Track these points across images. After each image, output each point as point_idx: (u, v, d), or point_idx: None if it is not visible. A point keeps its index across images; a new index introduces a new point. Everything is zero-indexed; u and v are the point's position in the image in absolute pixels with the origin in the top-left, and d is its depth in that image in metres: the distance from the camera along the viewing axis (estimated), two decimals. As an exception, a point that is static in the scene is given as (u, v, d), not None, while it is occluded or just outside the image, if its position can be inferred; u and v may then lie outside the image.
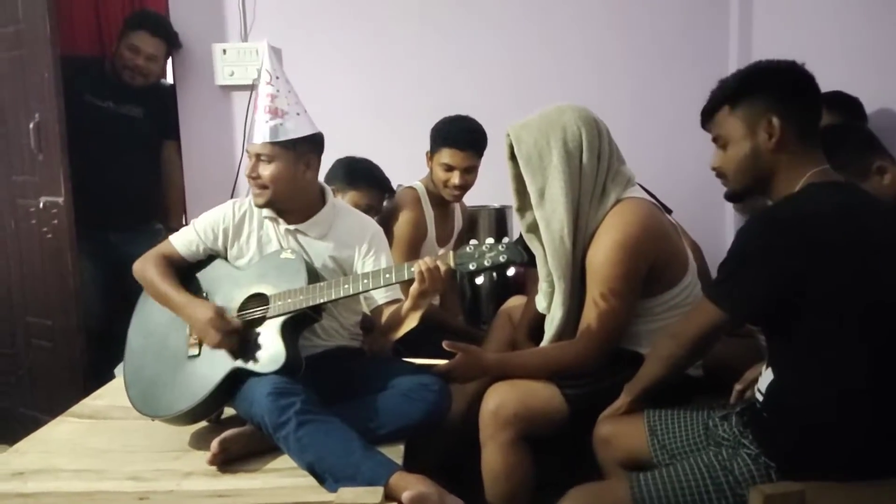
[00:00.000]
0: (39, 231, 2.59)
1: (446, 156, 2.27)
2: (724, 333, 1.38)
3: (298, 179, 1.79)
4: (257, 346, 1.65)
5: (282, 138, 1.74)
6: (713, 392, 1.65)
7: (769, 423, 1.31)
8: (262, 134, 1.74)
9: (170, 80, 3.04)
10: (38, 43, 2.47)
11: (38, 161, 2.54)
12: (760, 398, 1.36)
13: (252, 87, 2.88)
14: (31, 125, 2.51)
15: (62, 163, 2.48)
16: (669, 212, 2.23)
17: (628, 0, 2.90)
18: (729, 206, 2.92)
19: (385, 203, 2.41)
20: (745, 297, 1.28)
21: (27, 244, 2.67)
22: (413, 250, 2.28)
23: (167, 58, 2.90)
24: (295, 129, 1.75)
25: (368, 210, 2.28)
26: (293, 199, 1.80)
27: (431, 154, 2.34)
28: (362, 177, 2.32)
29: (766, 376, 1.36)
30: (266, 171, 1.75)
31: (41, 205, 2.55)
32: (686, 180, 2.67)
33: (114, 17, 3.07)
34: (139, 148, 2.90)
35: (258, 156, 1.75)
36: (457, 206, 2.53)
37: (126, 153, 2.83)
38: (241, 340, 1.67)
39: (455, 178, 2.28)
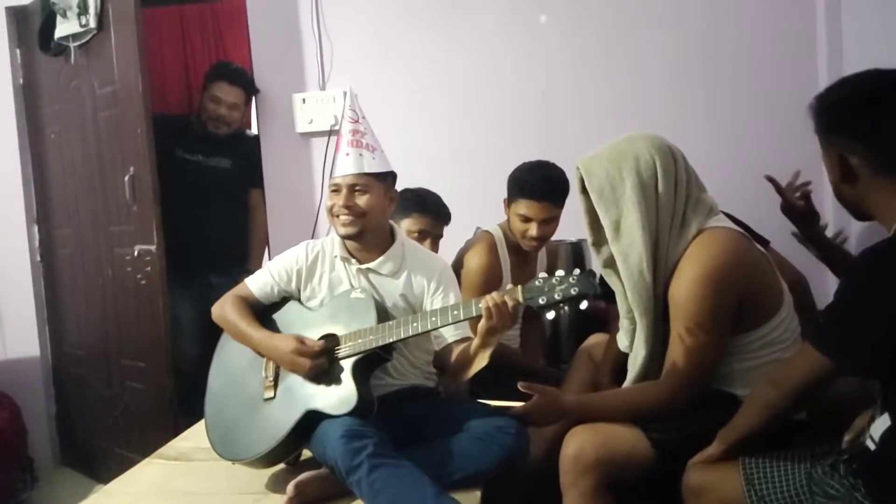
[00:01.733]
0: (134, 277, 2.72)
1: (523, 207, 2.17)
2: (829, 382, 1.25)
3: (385, 212, 1.84)
4: (330, 388, 1.65)
5: (375, 170, 1.79)
6: (817, 435, 1.51)
7: (884, 476, 1.17)
8: (356, 165, 1.78)
9: (254, 130, 3.17)
10: (132, 101, 2.63)
11: (133, 212, 2.69)
12: (872, 446, 1.22)
13: (330, 133, 2.97)
14: (127, 178, 2.67)
15: (154, 212, 2.61)
16: (767, 243, 2.11)
17: (707, 25, 2.79)
18: (829, 229, 2.73)
19: (441, 233, 2.38)
20: (855, 346, 1.16)
21: (122, 290, 2.82)
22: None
23: (247, 104, 3.04)
24: (383, 164, 1.83)
25: (423, 235, 2.28)
26: (376, 233, 1.83)
27: (509, 203, 2.25)
28: (414, 204, 2.31)
29: (879, 422, 1.22)
30: (361, 200, 1.78)
31: (136, 253, 2.68)
32: (774, 200, 2.52)
33: (202, 75, 3.25)
34: (229, 196, 3.06)
35: (352, 186, 1.78)
36: (542, 249, 2.42)
37: (216, 202, 3.00)
38: (315, 382, 1.67)
39: (533, 230, 2.18)
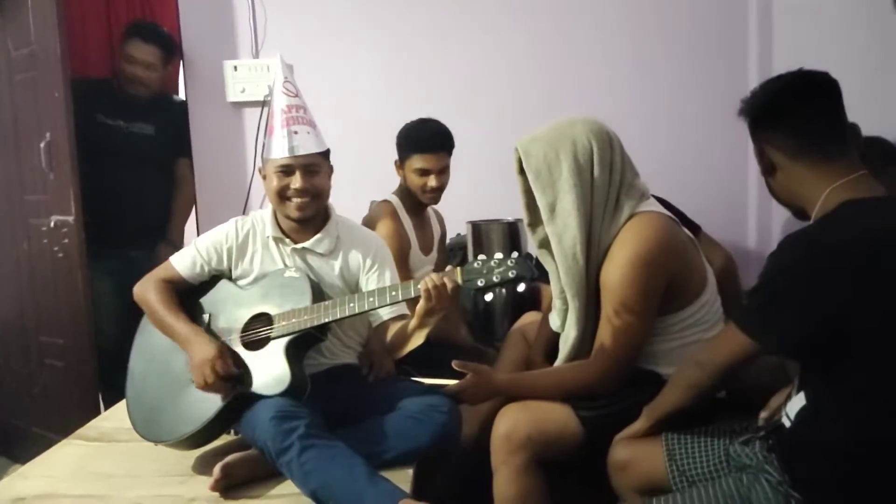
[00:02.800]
0: (51, 250, 2.58)
1: (418, 161, 2.29)
2: (752, 362, 1.30)
3: (329, 191, 1.81)
4: (262, 368, 1.61)
5: (323, 148, 1.77)
6: (735, 413, 1.58)
7: (796, 452, 1.24)
8: (310, 143, 1.73)
9: (182, 96, 3.04)
10: (49, 64, 2.47)
11: (50, 180, 2.55)
12: (788, 423, 1.29)
13: (264, 103, 2.88)
14: (42, 144, 2.52)
15: (73, 182, 2.48)
16: (698, 228, 2.18)
17: (643, 4, 2.84)
18: (752, 213, 2.86)
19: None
20: (779, 328, 1.20)
21: (39, 263, 2.67)
22: (402, 262, 2.24)
23: (167, 64, 2.88)
24: (323, 140, 1.79)
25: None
26: (320, 212, 1.80)
27: (402, 162, 2.35)
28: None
29: (795, 400, 1.28)
30: (318, 181, 1.75)
31: (52, 224, 2.55)
32: (706, 186, 2.60)
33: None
34: (152, 165, 2.90)
35: (307, 167, 1.73)
36: (432, 213, 2.54)
37: (140, 171, 2.84)
38: (244, 364, 1.63)
39: (432, 181, 2.29)
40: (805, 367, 1.27)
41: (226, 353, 1.62)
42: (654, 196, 1.68)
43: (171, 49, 2.86)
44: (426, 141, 2.30)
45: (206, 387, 1.59)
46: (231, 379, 1.60)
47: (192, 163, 2.97)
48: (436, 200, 2.40)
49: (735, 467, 1.35)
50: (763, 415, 1.49)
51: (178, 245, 2.94)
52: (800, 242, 1.20)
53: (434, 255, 2.50)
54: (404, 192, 2.39)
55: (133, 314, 2.71)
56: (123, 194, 2.77)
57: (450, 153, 2.35)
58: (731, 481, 1.27)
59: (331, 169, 1.81)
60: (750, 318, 1.25)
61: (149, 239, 2.86)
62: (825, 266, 1.14)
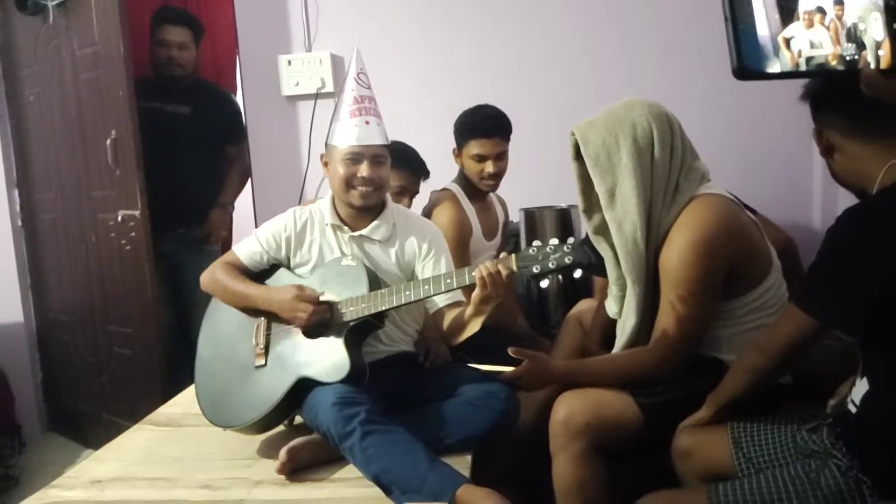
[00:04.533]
0: (118, 243, 2.69)
1: (476, 147, 2.27)
2: (816, 343, 1.27)
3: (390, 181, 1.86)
4: (322, 355, 1.64)
5: (389, 142, 1.81)
6: (802, 400, 1.54)
7: (864, 437, 1.20)
8: (379, 135, 1.78)
9: (239, 92, 3.10)
10: (112, 63, 2.57)
11: (116, 176, 2.64)
12: (853, 409, 1.25)
13: (317, 96, 2.92)
14: (108, 142, 2.61)
15: (138, 177, 2.57)
16: (753, 212, 2.12)
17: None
18: (817, 199, 2.77)
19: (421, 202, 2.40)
20: (838, 303, 1.17)
21: (107, 256, 2.78)
22: (462, 249, 2.24)
23: (197, 44, 2.99)
24: (387, 134, 1.82)
25: (401, 193, 2.30)
26: (380, 201, 1.83)
27: (459, 149, 2.34)
28: (393, 158, 2.27)
29: (860, 386, 1.24)
30: (383, 172, 1.79)
31: (119, 218, 2.64)
32: (770, 170, 2.53)
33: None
34: (191, 146, 2.93)
35: (375, 157, 1.77)
36: (494, 198, 2.52)
37: (179, 152, 2.88)
38: (306, 349, 1.66)
39: (489, 167, 2.28)
40: (866, 349, 1.24)
41: (303, 286, 1.69)
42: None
43: (198, 29, 2.98)
44: (482, 125, 2.28)
45: (308, 320, 1.65)
46: (321, 303, 1.66)
47: (242, 149, 3.03)
48: (494, 187, 2.38)
49: (802, 454, 1.32)
50: (832, 402, 1.45)
51: (227, 209, 3.06)
52: (858, 216, 1.18)
53: (498, 240, 2.49)
54: (464, 179, 2.38)
55: (180, 302, 2.85)
56: (164, 178, 2.76)
57: (507, 138, 2.33)
58: (798, 466, 1.25)
59: (424, 175, 1.85)
60: (808, 294, 1.23)
61: (187, 224, 2.94)
62: (884, 238, 1.12)
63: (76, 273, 2.96)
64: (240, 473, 1.61)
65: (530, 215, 2.52)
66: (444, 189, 2.39)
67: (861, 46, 0.59)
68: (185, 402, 2.10)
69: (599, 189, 1.59)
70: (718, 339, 1.58)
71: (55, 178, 2.98)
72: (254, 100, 3.00)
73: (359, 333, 1.68)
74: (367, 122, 1.76)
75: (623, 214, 1.56)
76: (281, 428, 1.78)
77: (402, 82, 2.88)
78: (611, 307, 1.77)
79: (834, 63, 0.59)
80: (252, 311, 1.79)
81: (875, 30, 0.58)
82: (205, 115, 3.00)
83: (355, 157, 1.75)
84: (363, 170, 1.75)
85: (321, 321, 1.66)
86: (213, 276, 1.83)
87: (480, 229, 2.37)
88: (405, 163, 2.32)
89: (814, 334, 1.23)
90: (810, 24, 0.58)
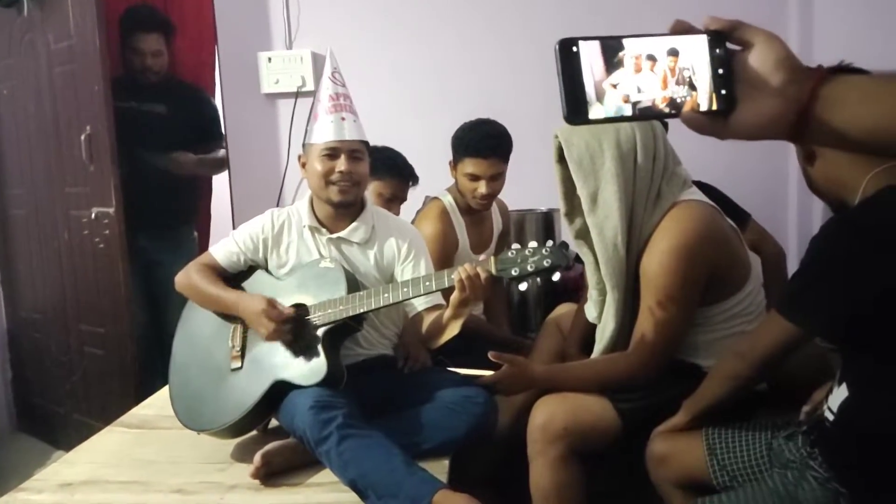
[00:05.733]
0: (92, 241, 2.63)
1: (470, 165, 2.15)
2: (796, 351, 1.28)
3: (368, 180, 1.84)
4: (299, 358, 1.63)
5: (366, 138, 1.79)
6: (777, 406, 1.55)
7: (841, 445, 1.21)
8: (356, 130, 1.77)
9: (217, 89, 3.05)
10: (88, 57, 2.52)
11: (90, 172, 2.59)
12: (831, 417, 1.26)
13: (297, 94, 2.89)
14: (83, 137, 2.56)
15: (113, 173, 2.52)
16: (748, 216, 2.14)
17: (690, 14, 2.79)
18: (793, 205, 2.80)
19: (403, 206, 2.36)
20: (822, 312, 1.18)
21: (80, 254, 2.73)
22: (444, 264, 2.13)
23: (169, 45, 2.93)
24: (365, 132, 1.81)
25: (392, 200, 2.26)
26: (358, 200, 1.81)
27: (455, 164, 2.22)
28: (384, 166, 2.24)
29: (837, 393, 1.25)
30: (360, 167, 1.77)
31: (93, 215, 2.60)
32: (748, 178, 2.55)
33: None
34: (166, 145, 2.88)
35: (352, 152, 1.75)
36: (494, 208, 2.43)
37: (154, 151, 2.84)
38: (284, 351, 1.64)
39: (482, 188, 2.16)
40: (846, 355, 1.25)
41: (273, 301, 1.66)
42: (702, 182, 1.65)
43: (170, 29, 2.91)
44: (478, 144, 2.14)
45: (270, 336, 1.63)
46: (289, 321, 1.64)
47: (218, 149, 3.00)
48: (486, 207, 2.28)
49: (778, 463, 1.32)
50: (806, 409, 1.46)
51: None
52: (842, 225, 1.19)
53: (491, 251, 2.38)
54: (458, 192, 2.27)
55: (156, 302, 2.80)
56: (141, 176, 2.75)
57: (505, 160, 2.19)
58: (776, 478, 1.25)
59: (368, 158, 1.82)
60: (792, 302, 1.24)
61: (164, 223, 2.88)
62: (867, 247, 1.13)
63: (48, 271, 2.90)
64: (213, 478, 1.59)
65: (513, 218, 2.51)
66: (434, 199, 2.32)
67: (692, 88, 0.62)
68: (158, 403, 2.06)
69: (582, 193, 1.59)
70: (696, 346, 1.59)
71: (28, 173, 2.92)
72: (233, 97, 2.96)
73: (336, 336, 1.66)
74: (342, 119, 1.75)
75: (604, 219, 1.56)
76: (255, 432, 1.76)
77: (384, 80, 2.87)
78: (590, 312, 1.78)
79: (662, 105, 0.62)
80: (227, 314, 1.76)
81: (703, 74, 0.62)
82: (181, 115, 2.95)
83: (332, 153, 1.74)
84: (340, 164, 1.73)
85: (283, 338, 1.64)
86: (188, 277, 1.80)
87: (468, 243, 2.29)
88: (396, 171, 2.28)
89: (795, 342, 1.24)
90: (638, 70, 0.61)
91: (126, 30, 2.82)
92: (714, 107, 0.62)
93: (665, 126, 2.00)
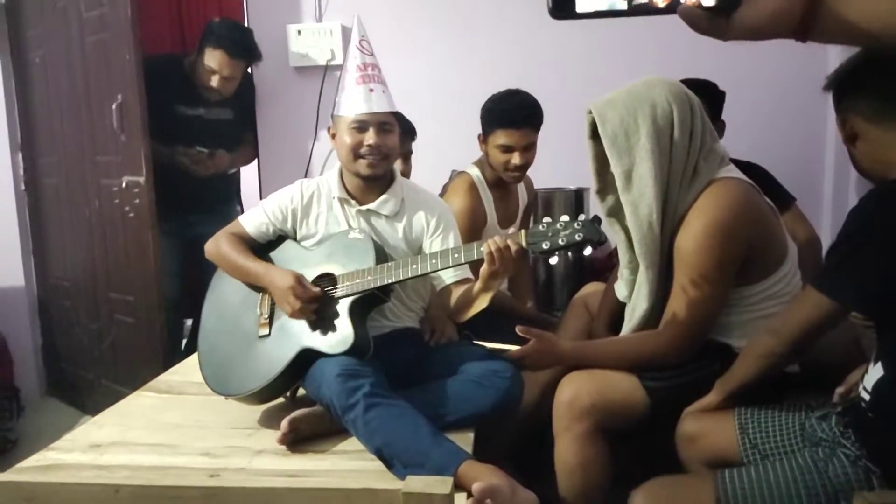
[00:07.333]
0: (122, 210, 2.66)
1: (502, 137, 2.13)
2: (831, 328, 1.25)
3: (398, 151, 1.83)
4: (326, 327, 1.63)
5: (395, 109, 1.77)
6: (809, 388, 1.52)
7: (876, 425, 1.19)
8: (386, 102, 1.75)
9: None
10: (120, 26, 2.52)
11: (121, 141, 2.61)
12: (866, 397, 1.23)
13: (326, 67, 2.88)
14: (114, 106, 2.58)
15: (143, 143, 2.53)
16: (793, 200, 2.11)
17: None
18: (828, 194, 2.75)
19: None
20: (860, 283, 1.16)
21: (110, 223, 2.75)
22: (472, 239, 2.14)
23: (248, 68, 2.82)
24: (394, 102, 1.79)
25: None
26: (388, 172, 1.80)
27: (485, 136, 2.20)
28: None
29: (872, 373, 1.22)
30: (389, 140, 1.75)
31: (123, 184, 2.62)
32: (783, 161, 2.51)
33: (194, 8, 3.12)
34: (228, 144, 2.89)
35: (382, 124, 1.73)
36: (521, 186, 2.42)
37: (211, 149, 2.83)
38: (310, 321, 1.65)
39: (515, 159, 2.14)
40: (882, 332, 1.22)
41: (302, 278, 1.65)
42: (747, 162, 1.61)
43: (254, 58, 2.74)
44: (510, 115, 2.12)
45: (294, 314, 1.63)
46: (316, 300, 1.63)
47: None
48: (519, 179, 2.25)
49: (810, 442, 1.30)
50: (839, 390, 1.44)
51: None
52: (880, 196, 1.17)
53: (517, 226, 2.38)
54: (486, 165, 2.26)
55: (194, 273, 2.82)
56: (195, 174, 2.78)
57: (537, 129, 2.17)
58: (806, 455, 1.24)
59: (412, 136, 1.80)
60: (828, 275, 1.22)
61: (207, 205, 2.88)
62: None
63: (78, 239, 2.94)
64: (240, 442, 1.60)
65: (542, 196, 2.50)
66: (462, 172, 2.30)
67: None
68: (185, 370, 2.09)
69: (616, 170, 1.55)
70: (730, 326, 1.56)
71: (59, 142, 2.94)
72: (261, 70, 2.96)
73: (364, 306, 1.66)
74: (371, 90, 1.73)
75: (639, 197, 1.53)
76: (282, 399, 1.77)
77: (412, 54, 2.85)
78: (620, 290, 1.75)
79: (659, 0, 0.58)
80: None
81: None
82: (245, 112, 2.95)
83: (361, 126, 1.73)
84: (369, 137, 1.72)
85: (307, 316, 1.63)
86: (217, 246, 1.81)
87: (496, 218, 2.27)
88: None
89: (830, 318, 1.22)
90: None
91: (209, 42, 2.63)
92: (716, 2, 0.59)
93: (721, 99, 1.94)
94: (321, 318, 1.65)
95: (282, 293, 1.64)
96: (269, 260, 1.81)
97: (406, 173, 2.35)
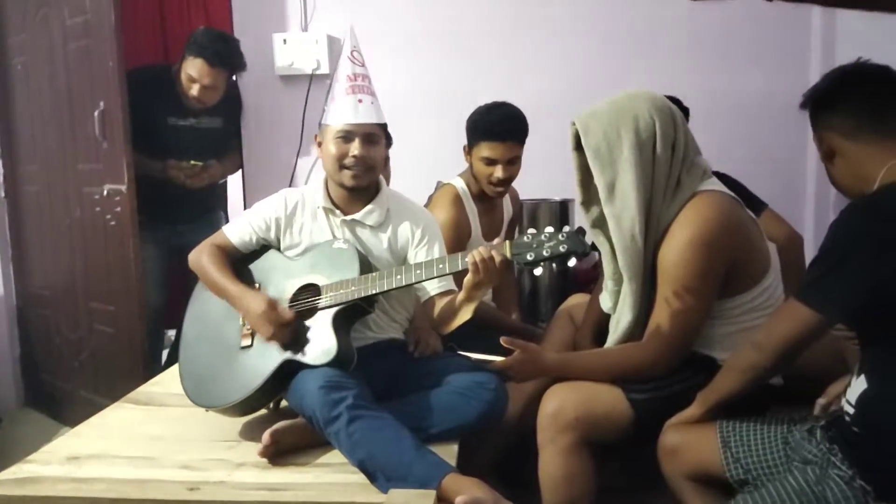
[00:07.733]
0: (103, 218, 2.62)
1: (486, 149, 2.11)
2: (815, 340, 1.26)
3: (383, 163, 1.82)
4: (309, 338, 1.62)
5: (384, 121, 1.77)
6: (791, 401, 1.53)
7: (863, 441, 1.19)
8: (374, 113, 1.74)
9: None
10: (103, 33, 2.49)
11: (103, 149, 2.58)
12: (850, 410, 1.24)
13: (312, 77, 2.88)
14: (96, 114, 2.55)
15: (125, 151, 2.50)
16: (763, 205, 2.12)
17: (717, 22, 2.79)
18: (810, 198, 2.80)
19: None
20: (844, 295, 1.16)
21: (91, 231, 2.72)
22: (455, 252, 2.15)
23: (230, 78, 2.79)
24: (383, 114, 1.78)
25: None
26: (373, 183, 1.80)
27: (469, 148, 2.18)
28: None
29: (856, 385, 1.23)
30: (375, 151, 1.74)
31: (105, 192, 2.58)
32: (765, 179, 2.55)
33: (178, 18, 3.08)
34: (217, 151, 2.88)
35: (368, 136, 1.72)
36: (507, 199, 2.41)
37: (205, 158, 2.81)
38: (293, 332, 1.63)
39: (498, 172, 2.12)
40: (866, 344, 1.23)
41: (274, 303, 1.63)
42: (717, 172, 1.63)
43: (238, 67, 2.73)
44: (495, 127, 2.11)
45: (270, 339, 1.61)
46: (289, 324, 1.61)
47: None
48: (501, 194, 2.25)
49: (798, 457, 1.30)
50: (821, 402, 1.45)
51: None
52: (861, 208, 1.19)
53: (501, 238, 2.37)
54: (472, 177, 2.24)
55: (174, 285, 2.80)
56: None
57: (521, 143, 2.16)
58: (798, 477, 1.23)
59: (388, 142, 1.80)
60: (811, 287, 1.22)
61: (194, 213, 2.87)
62: (887, 231, 1.13)
63: (59, 247, 2.90)
64: (221, 455, 1.58)
65: (527, 207, 2.50)
66: (447, 184, 2.28)
67: None
68: (166, 381, 2.06)
69: (599, 182, 1.56)
70: (713, 338, 1.57)
71: (40, 149, 2.91)
72: (246, 79, 2.96)
73: (348, 318, 1.65)
74: (360, 101, 1.72)
75: (622, 209, 1.54)
76: (264, 411, 1.75)
77: (399, 65, 2.85)
78: (605, 302, 1.76)
79: None
80: None
81: None
82: (234, 119, 2.95)
83: (347, 136, 1.72)
84: (355, 148, 1.71)
85: (281, 338, 1.61)
86: (199, 258, 1.79)
87: (481, 231, 2.26)
88: None
89: (815, 330, 1.22)
90: None
91: (190, 50, 2.60)
92: None
93: (686, 114, 1.98)
94: (304, 329, 1.64)
95: (254, 318, 1.62)
96: (252, 270, 1.80)
97: (386, 177, 2.34)
